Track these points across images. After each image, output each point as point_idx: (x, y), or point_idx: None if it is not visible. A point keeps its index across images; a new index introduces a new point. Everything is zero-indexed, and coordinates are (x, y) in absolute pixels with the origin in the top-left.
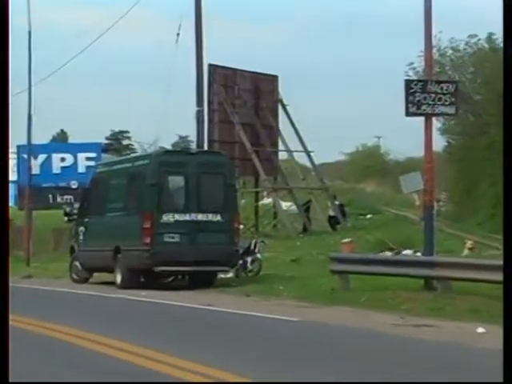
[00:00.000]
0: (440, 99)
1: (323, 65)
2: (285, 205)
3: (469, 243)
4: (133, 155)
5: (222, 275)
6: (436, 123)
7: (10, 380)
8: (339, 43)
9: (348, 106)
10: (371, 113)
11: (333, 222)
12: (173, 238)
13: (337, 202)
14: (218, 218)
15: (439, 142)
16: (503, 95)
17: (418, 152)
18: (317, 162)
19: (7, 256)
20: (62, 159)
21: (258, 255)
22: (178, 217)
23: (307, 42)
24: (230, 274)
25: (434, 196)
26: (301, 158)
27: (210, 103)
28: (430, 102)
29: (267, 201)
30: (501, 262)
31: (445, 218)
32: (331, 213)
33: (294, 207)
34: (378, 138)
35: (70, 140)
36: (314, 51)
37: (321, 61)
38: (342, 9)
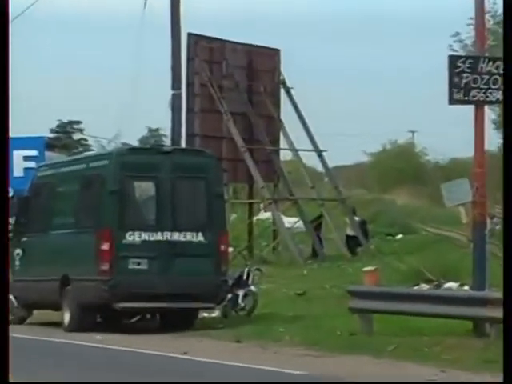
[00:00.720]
0: (495, 82)
1: (340, 41)
2: (288, 221)
3: None
4: (87, 154)
5: (204, 314)
6: (490, 114)
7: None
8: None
9: (372, 91)
10: (403, 100)
11: (352, 243)
12: (139, 264)
13: (357, 218)
14: (200, 238)
15: (494, 139)
16: (503, 96)
17: (466, 152)
18: (331, 164)
19: (7, 256)
20: None
21: (253, 288)
22: (145, 236)
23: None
24: (216, 313)
25: (486, 210)
26: (310, 160)
27: (189, 85)
28: (482, 86)
29: (265, 215)
30: None
31: (502, 240)
32: (350, 232)
33: (300, 224)
34: (412, 132)
35: None
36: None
37: (334, 34)
38: None
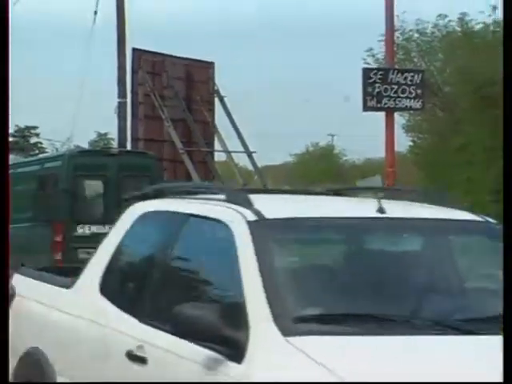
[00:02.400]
0: (404, 91)
1: (266, 51)
2: None
3: None
4: (42, 156)
5: None
6: (399, 119)
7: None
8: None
9: (296, 98)
10: (324, 107)
11: None
12: (88, 253)
13: None
14: None
15: (403, 142)
16: (503, 94)
17: (379, 153)
18: (260, 164)
19: (7, 256)
20: None
21: None
22: (94, 229)
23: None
24: None
25: None
26: (241, 160)
27: (133, 94)
28: (392, 95)
29: None
30: None
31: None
32: None
33: None
34: (332, 136)
35: None
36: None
37: (263, 45)
38: None
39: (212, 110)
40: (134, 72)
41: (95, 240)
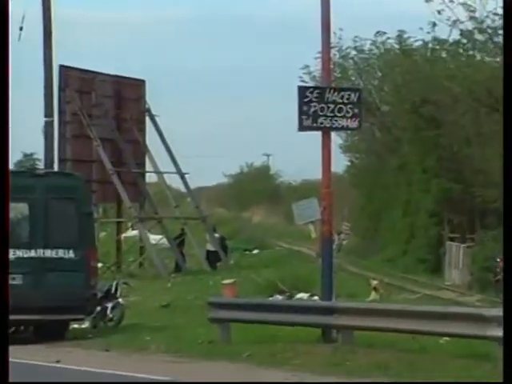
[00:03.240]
0: (340, 110)
1: (198, 70)
2: (154, 238)
3: (374, 282)
4: None
5: (75, 325)
6: (337, 139)
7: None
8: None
9: (231, 118)
10: (259, 126)
11: (212, 258)
12: (13, 279)
13: (217, 235)
14: (71, 254)
15: (341, 162)
16: (503, 98)
17: (315, 174)
18: (193, 185)
19: (7, 255)
20: None
21: (120, 300)
22: (19, 253)
23: (180, 44)
24: (86, 324)
25: (332, 227)
26: (173, 181)
27: (61, 113)
28: (329, 114)
29: (132, 233)
30: (415, 308)
31: (347, 254)
32: (210, 247)
33: (164, 241)
34: (268, 156)
35: None
36: (186, 53)
37: (196, 65)
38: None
39: (143, 130)
40: (60, 90)
41: (20, 264)
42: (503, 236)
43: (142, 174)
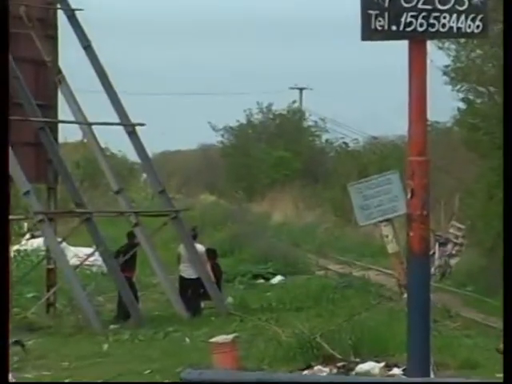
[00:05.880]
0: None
1: None
2: (76, 253)
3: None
4: None
5: None
6: (438, 59)
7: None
8: None
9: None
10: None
11: (191, 293)
12: None
13: (200, 247)
14: None
15: (443, 104)
16: (503, 98)
17: (386, 128)
18: (159, 149)
19: (7, 255)
20: None
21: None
22: None
23: None
24: None
25: (430, 231)
26: (118, 144)
27: None
28: (423, 7)
29: (31, 244)
30: None
31: (460, 283)
32: (186, 272)
33: (98, 258)
34: (300, 90)
35: None
36: None
37: None
38: None
39: (52, 39)
40: None
41: None
42: (503, 236)
43: (52, 127)
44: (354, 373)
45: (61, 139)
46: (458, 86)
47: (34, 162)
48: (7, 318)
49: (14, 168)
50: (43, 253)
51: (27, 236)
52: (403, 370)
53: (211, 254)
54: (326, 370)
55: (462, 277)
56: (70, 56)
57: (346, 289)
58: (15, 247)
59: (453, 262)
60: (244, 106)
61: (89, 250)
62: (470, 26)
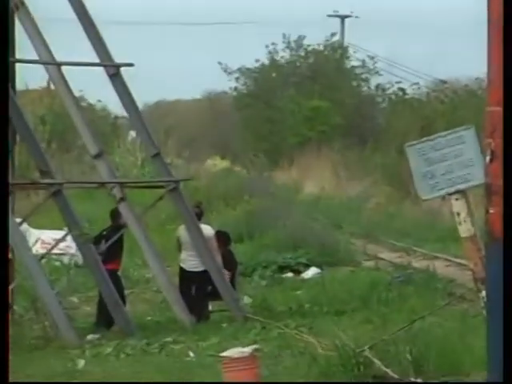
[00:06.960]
0: None
1: None
2: (43, 238)
3: None
4: None
5: None
6: None
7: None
8: None
9: None
10: None
11: (195, 291)
12: None
13: (208, 229)
14: None
15: None
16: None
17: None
18: (153, 98)
19: (7, 255)
20: None
21: None
22: None
23: None
24: None
25: None
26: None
27: None
28: None
29: None
30: None
31: None
32: (189, 264)
33: (70, 245)
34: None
35: None
36: None
37: None
38: None
39: None
40: None
41: None
42: (503, 236)
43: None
44: None
45: (20, 85)
46: None
47: None
48: (7, 317)
49: None
50: None
51: None
52: None
53: (222, 238)
54: None
55: None
56: None
57: (403, 285)
58: None
59: None
60: (266, 40)
61: (58, 234)
62: None
